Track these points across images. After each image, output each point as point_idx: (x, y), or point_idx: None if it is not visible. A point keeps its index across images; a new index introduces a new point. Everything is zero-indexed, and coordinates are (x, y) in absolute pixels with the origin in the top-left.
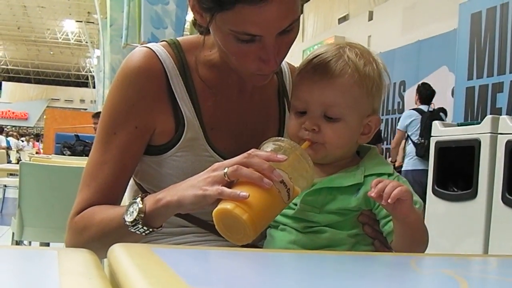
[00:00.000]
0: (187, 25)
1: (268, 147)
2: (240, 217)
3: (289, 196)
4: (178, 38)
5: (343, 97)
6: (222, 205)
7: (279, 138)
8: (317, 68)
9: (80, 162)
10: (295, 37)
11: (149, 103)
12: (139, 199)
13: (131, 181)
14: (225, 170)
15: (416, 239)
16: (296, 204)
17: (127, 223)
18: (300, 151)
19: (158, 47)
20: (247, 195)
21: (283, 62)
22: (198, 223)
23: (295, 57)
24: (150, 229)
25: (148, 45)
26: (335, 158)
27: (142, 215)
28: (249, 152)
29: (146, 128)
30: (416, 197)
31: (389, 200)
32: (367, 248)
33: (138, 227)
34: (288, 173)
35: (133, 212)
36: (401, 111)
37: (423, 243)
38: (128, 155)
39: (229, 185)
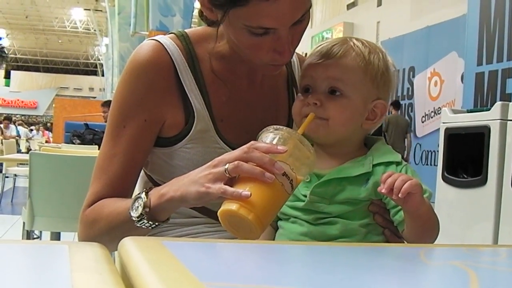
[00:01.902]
0: (195, 12)
1: (267, 137)
2: (246, 217)
3: (293, 187)
4: (186, 30)
5: (347, 74)
6: (227, 206)
7: (277, 126)
8: (322, 51)
9: (90, 151)
10: (307, 25)
11: (158, 96)
12: (143, 194)
13: (142, 173)
14: (226, 166)
15: (427, 229)
16: (306, 196)
17: (133, 218)
18: (299, 138)
19: (166, 40)
20: (249, 194)
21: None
22: (208, 214)
23: (304, 44)
24: (156, 223)
25: (156, 37)
26: (338, 139)
27: (147, 210)
28: (248, 145)
29: (156, 121)
30: (424, 186)
31: (399, 195)
32: (378, 238)
33: (144, 222)
34: (290, 164)
35: (138, 207)
36: (410, 97)
37: (434, 232)
38: (138, 148)
39: (231, 181)
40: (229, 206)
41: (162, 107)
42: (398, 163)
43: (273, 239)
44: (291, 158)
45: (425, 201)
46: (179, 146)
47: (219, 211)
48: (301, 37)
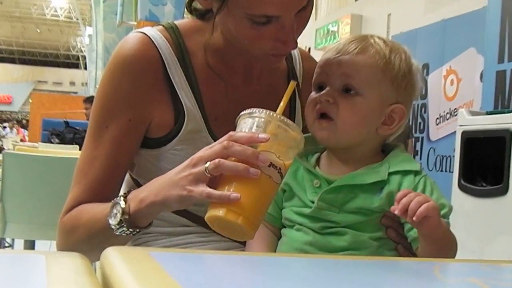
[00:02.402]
0: None
1: (245, 124)
2: (235, 222)
3: (282, 175)
4: (175, 22)
5: (363, 72)
6: (213, 212)
7: (254, 109)
8: (339, 47)
9: (70, 151)
10: (311, 12)
11: (144, 94)
12: (121, 199)
13: (127, 177)
14: (206, 165)
15: (442, 252)
16: (313, 202)
17: (112, 226)
18: (280, 119)
19: (154, 32)
20: (238, 197)
21: None
22: (200, 222)
23: (307, 37)
24: (137, 230)
25: (143, 30)
26: (350, 143)
27: (127, 217)
28: (226, 137)
29: (141, 120)
30: (443, 200)
31: (414, 218)
32: (390, 254)
33: (124, 229)
34: (275, 151)
35: (116, 214)
36: (424, 96)
37: (450, 254)
38: (121, 150)
39: (214, 179)
40: (216, 211)
41: (148, 105)
42: (416, 173)
43: (275, 248)
44: (276, 144)
45: (442, 224)
46: (168, 147)
47: (206, 217)
48: (306, 25)
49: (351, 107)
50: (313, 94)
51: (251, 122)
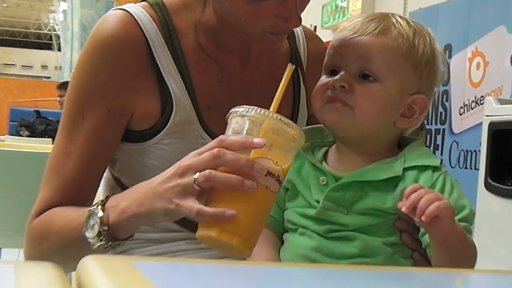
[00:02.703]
0: None
1: (237, 125)
2: (230, 242)
3: (280, 182)
4: None
5: (384, 56)
6: (205, 232)
7: (244, 108)
8: (356, 25)
9: (42, 145)
10: None
11: (125, 81)
12: (99, 208)
13: (107, 174)
14: (195, 176)
15: (456, 260)
16: (318, 202)
17: (89, 239)
18: (274, 117)
19: (137, 9)
20: (234, 214)
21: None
22: (190, 227)
23: (312, 14)
24: (118, 242)
25: (124, 6)
26: (365, 134)
27: (105, 228)
28: (216, 142)
29: (122, 111)
30: (464, 201)
31: (423, 218)
32: (405, 262)
33: (103, 243)
34: (272, 157)
35: (94, 225)
36: (446, 82)
37: (467, 263)
38: (99, 144)
39: (203, 192)
40: (208, 231)
41: (131, 94)
42: (435, 169)
43: (278, 254)
44: (273, 148)
45: (456, 227)
46: (153, 141)
47: (197, 235)
48: (309, 0)
49: (369, 95)
50: (323, 78)
51: (243, 123)
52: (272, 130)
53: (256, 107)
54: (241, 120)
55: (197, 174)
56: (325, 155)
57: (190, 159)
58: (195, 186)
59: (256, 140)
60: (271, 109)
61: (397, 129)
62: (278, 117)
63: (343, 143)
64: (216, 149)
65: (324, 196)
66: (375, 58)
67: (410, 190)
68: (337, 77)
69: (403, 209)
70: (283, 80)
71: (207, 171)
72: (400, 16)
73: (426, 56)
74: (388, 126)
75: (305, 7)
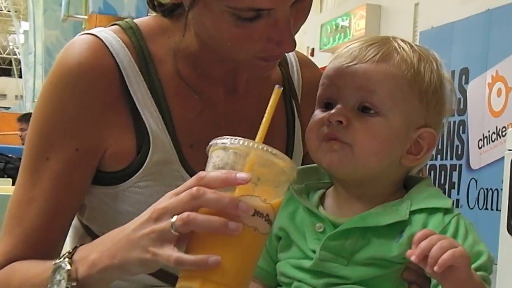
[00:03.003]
0: None
1: (218, 159)
2: None
3: (271, 222)
4: (135, 21)
5: (387, 85)
6: (186, 283)
7: (225, 139)
8: (354, 51)
9: (0, 186)
10: (311, 4)
11: (95, 115)
12: (66, 261)
13: (76, 222)
14: (173, 220)
15: None
16: (315, 252)
17: None
18: (260, 148)
19: (108, 34)
20: (218, 261)
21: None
22: (170, 280)
23: (309, 35)
24: None
25: (93, 31)
26: (367, 174)
27: (74, 284)
28: (195, 180)
29: (92, 150)
30: (481, 247)
31: (435, 268)
32: None
33: None
34: (259, 194)
35: (60, 281)
36: (463, 111)
37: None
38: (66, 189)
39: (183, 237)
40: (189, 282)
41: (101, 129)
42: (446, 211)
43: None
44: (260, 183)
45: (473, 278)
46: (128, 184)
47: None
48: (304, 20)
49: (370, 131)
50: (318, 113)
51: (224, 156)
52: (259, 163)
53: (240, 138)
54: (223, 153)
55: (175, 217)
56: (321, 198)
57: (166, 200)
58: (173, 231)
59: (240, 175)
60: (257, 139)
61: (403, 168)
62: (265, 148)
63: (342, 186)
64: (194, 188)
65: (321, 246)
66: (376, 88)
67: (419, 236)
68: (333, 111)
69: (412, 258)
70: (270, 104)
71: (186, 214)
72: (402, 40)
73: (433, 84)
74: (392, 165)
75: (300, 28)
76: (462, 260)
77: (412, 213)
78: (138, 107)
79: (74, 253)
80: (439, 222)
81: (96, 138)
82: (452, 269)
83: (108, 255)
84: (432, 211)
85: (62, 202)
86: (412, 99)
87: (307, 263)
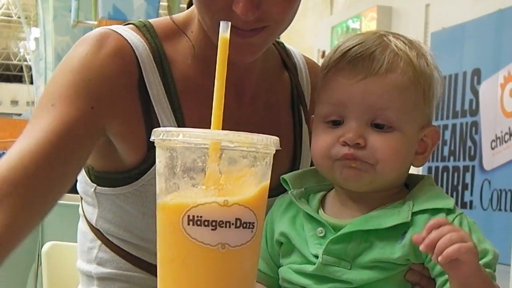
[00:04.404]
0: None
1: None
2: None
3: (254, 224)
4: (150, 20)
5: (399, 98)
6: None
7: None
8: (356, 60)
9: None
10: None
11: (111, 88)
12: None
13: (84, 228)
14: None
15: None
16: (317, 257)
17: None
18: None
19: (125, 31)
20: None
21: (298, 56)
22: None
23: (321, 37)
24: None
25: (110, 27)
26: (384, 187)
27: None
28: None
29: (104, 118)
30: (486, 245)
31: (439, 259)
32: None
33: None
34: (220, 195)
35: None
36: (475, 112)
37: None
38: (68, 140)
39: None
40: None
41: (116, 116)
42: (449, 211)
43: None
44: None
45: (480, 274)
46: (140, 182)
47: None
48: (288, 5)
49: (391, 150)
50: (325, 131)
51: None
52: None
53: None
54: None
55: None
56: (321, 201)
57: None
58: None
59: None
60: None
61: (409, 169)
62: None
63: (343, 188)
64: None
65: (324, 249)
66: (389, 104)
67: (432, 224)
68: (348, 133)
69: (421, 247)
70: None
71: None
72: (393, 36)
73: (431, 79)
74: (405, 170)
75: (281, 13)
76: (469, 256)
77: (414, 214)
78: (152, 102)
79: None
80: (444, 219)
81: (109, 107)
82: (458, 262)
83: None
84: (434, 211)
85: (57, 153)
86: (419, 102)
87: (309, 268)
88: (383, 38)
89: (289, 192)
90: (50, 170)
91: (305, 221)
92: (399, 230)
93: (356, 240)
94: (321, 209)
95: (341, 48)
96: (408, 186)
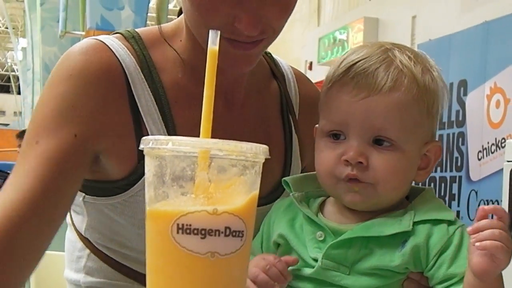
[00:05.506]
0: (152, 3)
1: None
2: None
3: (243, 231)
4: (137, 30)
5: (401, 118)
6: None
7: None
8: (360, 77)
9: None
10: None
11: (96, 107)
12: None
13: (72, 237)
14: None
15: None
16: (316, 260)
17: None
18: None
19: (112, 41)
20: None
21: (286, 67)
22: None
23: (308, 47)
24: None
25: (97, 37)
26: (387, 205)
27: None
28: None
29: (91, 139)
30: None
31: (476, 244)
32: None
33: None
34: (207, 204)
35: None
36: (461, 123)
37: None
38: (58, 171)
39: None
40: None
41: (101, 122)
42: (450, 222)
43: None
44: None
45: (501, 277)
46: (130, 193)
47: None
48: (284, 14)
49: (390, 169)
50: (327, 145)
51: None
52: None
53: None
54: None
55: None
56: (321, 206)
57: None
58: None
59: None
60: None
61: (410, 183)
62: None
63: None
64: None
65: (324, 254)
66: (391, 124)
67: (483, 211)
68: (350, 153)
69: (468, 229)
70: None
71: None
72: (398, 51)
73: (436, 95)
74: (408, 187)
75: (278, 21)
76: (503, 259)
77: (415, 224)
78: (141, 113)
79: None
80: (444, 232)
81: (94, 128)
82: (491, 258)
83: None
84: (436, 222)
85: (50, 185)
86: (422, 119)
87: (307, 271)
88: (388, 53)
89: (291, 194)
90: (37, 218)
91: (305, 224)
92: (400, 239)
93: (356, 246)
94: (320, 213)
95: (345, 62)
96: (408, 197)
